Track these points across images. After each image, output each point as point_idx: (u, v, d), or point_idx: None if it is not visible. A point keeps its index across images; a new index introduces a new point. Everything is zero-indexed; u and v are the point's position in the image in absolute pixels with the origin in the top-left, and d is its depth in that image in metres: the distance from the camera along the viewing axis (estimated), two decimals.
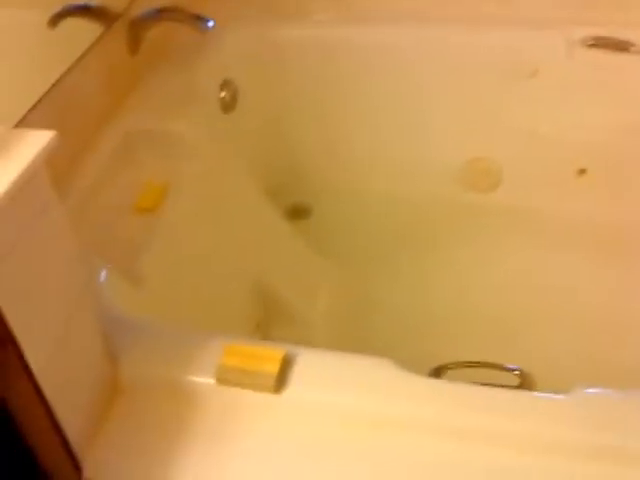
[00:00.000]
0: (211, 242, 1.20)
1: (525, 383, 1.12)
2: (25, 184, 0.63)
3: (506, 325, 1.38)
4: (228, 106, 1.41)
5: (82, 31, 1.22)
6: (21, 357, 0.70)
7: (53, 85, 1.10)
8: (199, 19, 1.26)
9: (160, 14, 1.28)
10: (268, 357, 0.84)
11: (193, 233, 1.16)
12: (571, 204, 1.59)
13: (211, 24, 1.24)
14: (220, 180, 1.28)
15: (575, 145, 1.58)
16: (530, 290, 1.44)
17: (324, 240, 1.50)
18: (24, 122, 1.01)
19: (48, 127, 1.07)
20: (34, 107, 1.05)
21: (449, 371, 1.08)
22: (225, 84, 1.41)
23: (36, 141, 0.68)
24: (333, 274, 1.43)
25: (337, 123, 1.61)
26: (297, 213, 1.59)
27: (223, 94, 1.40)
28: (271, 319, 1.27)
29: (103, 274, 0.96)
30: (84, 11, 1.24)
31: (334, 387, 0.84)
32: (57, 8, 1.16)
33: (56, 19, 1.18)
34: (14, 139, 0.68)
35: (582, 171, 1.60)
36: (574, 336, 1.37)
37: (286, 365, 0.84)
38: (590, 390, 0.82)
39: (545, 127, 1.57)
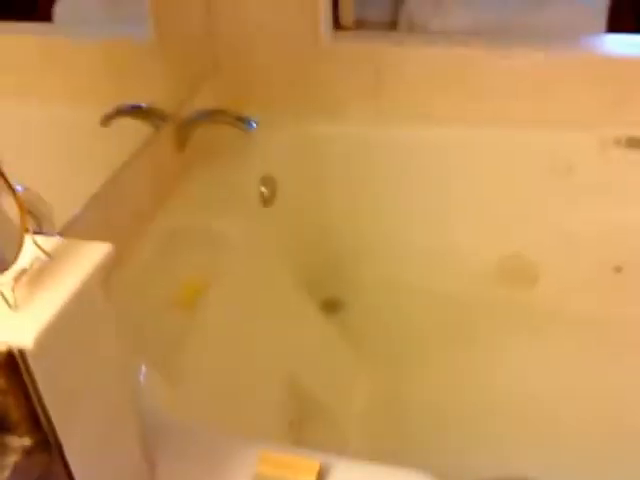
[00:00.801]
0: (247, 337, 1.21)
1: None
2: (81, 301, 0.66)
3: (541, 429, 1.35)
4: (268, 200, 1.46)
5: (132, 130, 1.29)
6: (65, 464, 0.70)
7: (103, 183, 1.15)
8: (243, 121, 1.32)
9: (207, 116, 1.35)
10: (304, 468, 0.83)
11: (230, 329, 1.18)
12: (607, 303, 1.58)
13: (254, 126, 1.30)
14: (257, 274, 1.31)
15: (610, 243, 1.58)
16: (566, 394, 1.41)
17: (359, 335, 1.51)
18: (74, 220, 1.06)
19: (96, 223, 1.12)
20: (84, 204, 1.10)
21: None
22: (265, 179, 1.46)
23: (91, 256, 0.70)
24: (367, 371, 1.43)
25: (373, 217, 1.64)
26: (332, 306, 1.60)
27: (263, 189, 1.45)
28: (304, 417, 1.26)
29: (141, 372, 0.97)
30: (135, 111, 1.31)
31: None
32: (110, 108, 1.23)
33: (108, 118, 1.25)
34: (68, 253, 0.71)
35: (618, 269, 1.60)
36: (612, 445, 1.33)
37: (321, 477, 0.83)
38: None
39: (580, 224, 1.59)
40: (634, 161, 1.52)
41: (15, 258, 0.67)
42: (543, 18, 1.96)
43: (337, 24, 1.67)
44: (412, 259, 1.64)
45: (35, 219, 0.77)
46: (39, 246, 0.70)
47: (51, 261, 0.69)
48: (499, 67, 1.57)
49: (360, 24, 1.77)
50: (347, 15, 1.68)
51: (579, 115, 1.55)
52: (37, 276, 0.67)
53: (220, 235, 1.26)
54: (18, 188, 0.75)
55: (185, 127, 1.34)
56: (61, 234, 1.01)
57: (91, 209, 1.10)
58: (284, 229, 1.52)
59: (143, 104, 1.31)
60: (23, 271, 0.67)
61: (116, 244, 0.91)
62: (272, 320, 1.28)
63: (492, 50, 1.59)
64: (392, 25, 2.02)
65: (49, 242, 0.73)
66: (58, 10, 1.17)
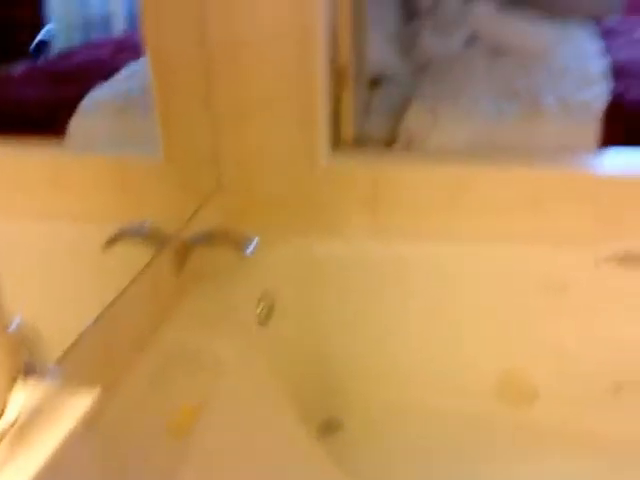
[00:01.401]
0: (239, 465, 1.20)
1: None
2: (63, 458, 0.67)
3: None
4: (264, 319, 1.48)
5: (134, 252, 1.33)
6: None
7: (103, 307, 1.18)
8: (242, 244, 1.36)
9: (207, 238, 1.39)
10: None
11: (223, 455, 1.17)
12: (608, 421, 1.55)
13: (251, 250, 1.34)
14: (252, 396, 1.31)
15: (609, 361, 1.57)
16: None
17: (357, 457, 1.48)
18: (72, 346, 1.08)
19: (94, 348, 1.14)
20: (83, 330, 1.12)
21: None
22: (263, 298, 1.49)
23: (78, 405, 0.72)
24: None
25: (372, 334, 1.65)
26: (329, 427, 1.59)
27: (260, 308, 1.48)
28: None
29: None
30: (138, 233, 1.36)
31: None
32: (114, 228, 1.28)
33: (111, 241, 1.29)
34: (56, 402, 0.72)
35: (618, 387, 1.58)
36: None
37: None
38: None
39: (577, 341, 1.59)
40: (628, 278, 1.53)
41: (1, 411, 0.69)
42: (537, 132, 2.04)
43: (337, 141, 1.74)
44: (410, 376, 1.64)
45: (28, 352, 0.79)
46: (26, 397, 0.71)
47: (38, 412, 0.71)
48: (495, 185, 1.61)
49: (359, 139, 1.84)
50: (346, 132, 1.75)
51: (574, 232, 1.58)
52: (22, 430, 0.68)
53: (215, 357, 1.27)
54: (14, 322, 0.78)
55: (185, 249, 1.38)
56: (58, 362, 1.04)
57: (90, 334, 1.13)
58: (281, 348, 1.53)
59: (146, 225, 1.36)
60: (8, 426, 0.68)
61: (113, 366, 0.92)
62: (266, 446, 1.27)
63: (488, 168, 1.64)
64: (391, 141, 2.10)
65: (38, 387, 0.74)
66: (72, 126, 1.23)
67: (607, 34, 2.90)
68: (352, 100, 1.74)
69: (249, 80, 1.58)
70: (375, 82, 2.43)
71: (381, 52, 2.46)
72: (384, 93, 2.35)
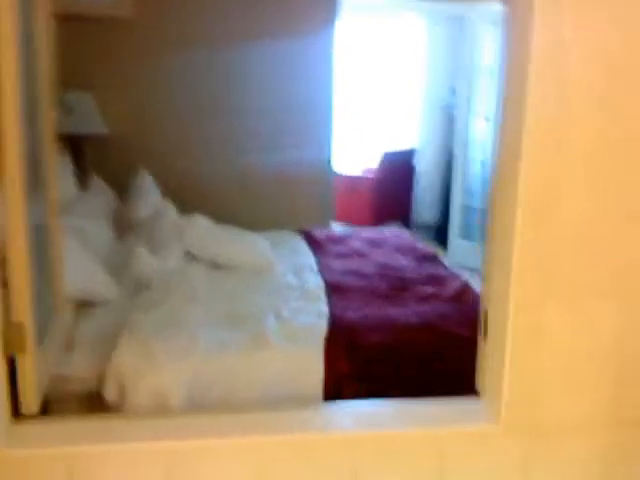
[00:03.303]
0: None
1: None
2: None
3: None
4: None
5: None
6: None
7: None
8: None
9: None
10: None
11: None
12: None
13: None
14: None
15: None
16: None
17: None
18: None
19: None
20: None
21: None
22: None
23: None
24: None
25: None
26: None
27: None
28: None
29: None
30: None
31: None
32: None
33: None
34: None
35: None
36: None
37: None
38: None
39: None
40: None
41: None
42: (262, 361, 1.90)
43: (17, 411, 1.35)
44: None
45: None
46: None
47: None
48: (214, 457, 1.36)
49: (49, 406, 1.48)
50: (30, 400, 1.37)
51: None
52: None
53: None
54: None
55: None
56: None
57: None
58: None
59: None
60: None
61: None
62: None
63: (206, 437, 1.38)
64: (98, 387, 1.77)
65: None
66: None
67: (318, 246, 2.98)
68: (33, 363, 1.37)
69: None
70: (83, 307, 2.11)
71: (88, 274, 2.17)
72: (92, 323, 2.03)
